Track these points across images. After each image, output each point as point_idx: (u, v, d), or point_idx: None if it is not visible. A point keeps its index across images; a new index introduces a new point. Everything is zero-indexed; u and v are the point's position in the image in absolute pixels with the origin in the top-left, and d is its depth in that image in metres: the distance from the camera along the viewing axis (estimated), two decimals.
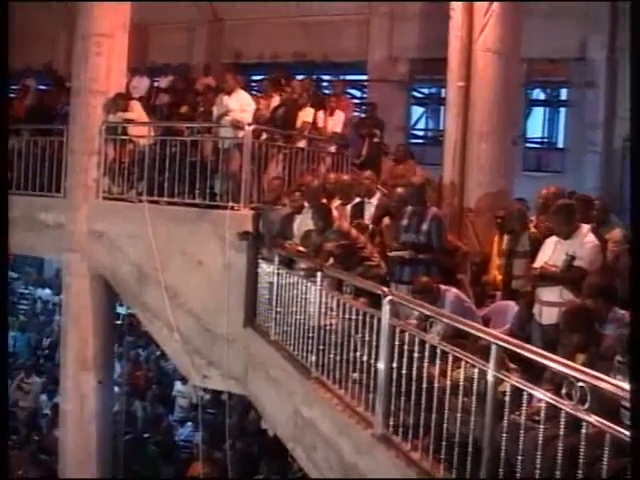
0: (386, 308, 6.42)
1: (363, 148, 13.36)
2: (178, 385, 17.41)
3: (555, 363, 4.56)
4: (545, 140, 20.18)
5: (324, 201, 9.61)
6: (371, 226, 9.54)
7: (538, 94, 21.04)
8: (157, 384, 17.83)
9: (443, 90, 22.43)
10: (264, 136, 11.64)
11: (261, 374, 9.97)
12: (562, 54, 17.02)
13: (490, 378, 5.00)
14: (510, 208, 9.14)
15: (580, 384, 4.19)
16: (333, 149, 13.00)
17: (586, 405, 4.20)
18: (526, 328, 6.95)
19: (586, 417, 4.21)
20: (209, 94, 13.55)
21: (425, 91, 22.57)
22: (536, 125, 20.48)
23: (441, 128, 19.93)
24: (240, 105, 11.69)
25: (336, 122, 13.19)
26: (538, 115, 20.66)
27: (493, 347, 5.00)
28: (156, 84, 15.91)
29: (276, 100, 13.30)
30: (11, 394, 16.99)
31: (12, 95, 16.25)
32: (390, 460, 6.16)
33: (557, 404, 4.46)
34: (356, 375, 7.27)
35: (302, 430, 8.23)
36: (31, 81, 16.92)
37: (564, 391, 4.33)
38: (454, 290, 7.75)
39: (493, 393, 5.01)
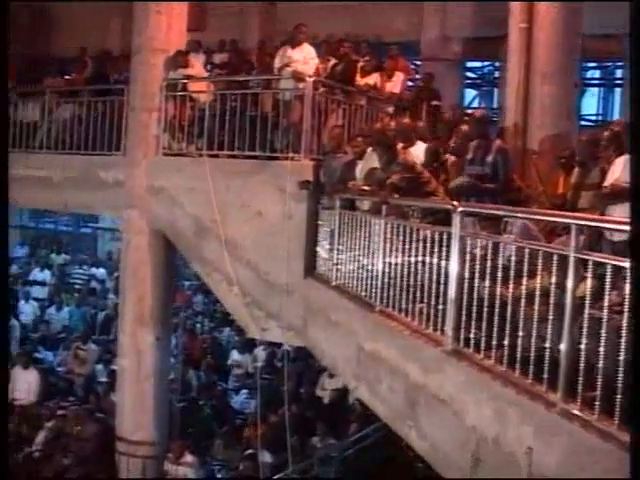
0: (457, 219, 6.36)
1: (422, 113, 13.26)
2: (234, 354, 17.48)
3: None
4: (600, 118, 20.00)
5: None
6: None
7: (593, 74, 20.93)
8: (211, 354, 17.87)
9: (497, 72, 22.60)
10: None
11: (321, 321, 9.94)
12: (617, 29, 16.74)
13: (571, 259, 4.92)
14: (580, 139, 8.94)
15: None
16: (391, 110, 12.96)
17: None
18: (596, 247, 6.83)
19: None
20: (266, 58, 13.60)
21: (478, 71, 22.55)
22: (590, 103, 20.36)
23: (495, 107, 19.97)
24: (304, 57, 11.71)
25: (395, 83, 13.18)
26: (592, 94, 20.55)
27: (572, 227, 4.94)
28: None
29: (333, 62, 13.30)
30: (67, 362, 17.24)
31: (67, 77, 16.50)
32: (462, 370, 6.10)
33: None
34: (423, 305, 7.19)
35: (365, 366, 8.18)
36: (88, 59, 17.05)
37: None
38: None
39: (574, 277, 4.93)
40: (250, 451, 12.84)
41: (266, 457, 12.58)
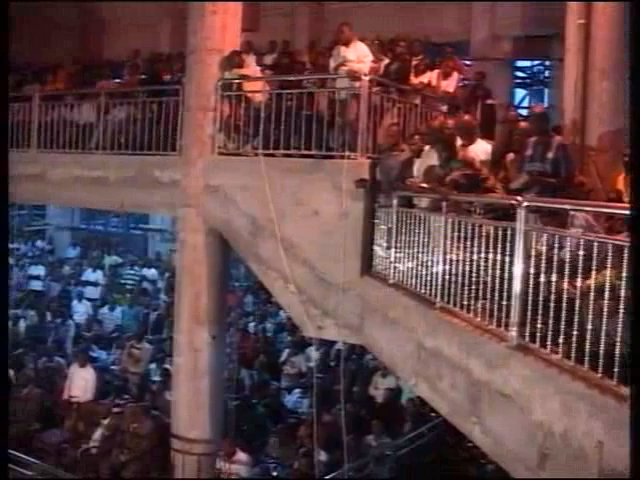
0: (521, 214, 6.33)
1: (476, 112, 13.22)
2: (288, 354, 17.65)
3: None
4: None
5: None
6: None
7: None
8: (264, 353, 17.94)
9: (547, 71, 22.44)
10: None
11: (378, 319, 9.93)
12: None
13: None
14: None
15: None
16: (445, 109, 12.95)
17: None
18: None
19: None
20: (320, 58, 13.66)
21: (528, 71, 22.43)
22: None
23: (545, 106, 19.80)
24: (357, 56, 11.77)
25: (450, 82, 13.20)
26: None
27: None
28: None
29: (386, 61, 13.33)
30: (122, 361, 17.41)
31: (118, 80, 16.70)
32: (528, 365, 6.07)
33: None
34: (485, 301, 7.17)
35: (426, 362, 8.16)
36: (139, 61, 17.25)
37: None
38: (583, 214, 7.60)
39: None
40: (305, 449, 12.88)
41: (321, 455, 12.60)
